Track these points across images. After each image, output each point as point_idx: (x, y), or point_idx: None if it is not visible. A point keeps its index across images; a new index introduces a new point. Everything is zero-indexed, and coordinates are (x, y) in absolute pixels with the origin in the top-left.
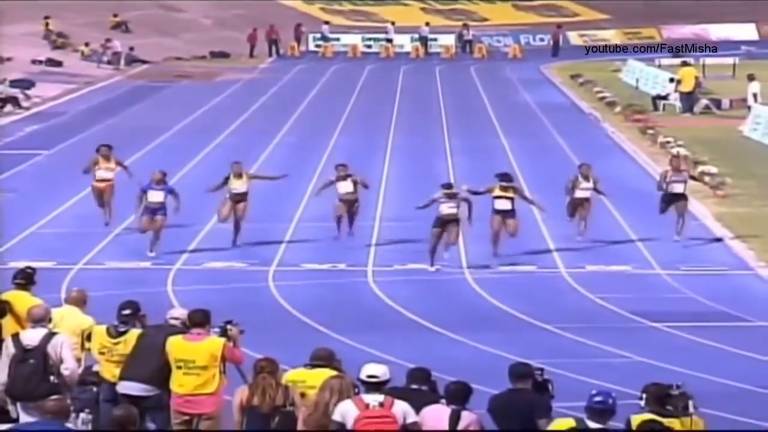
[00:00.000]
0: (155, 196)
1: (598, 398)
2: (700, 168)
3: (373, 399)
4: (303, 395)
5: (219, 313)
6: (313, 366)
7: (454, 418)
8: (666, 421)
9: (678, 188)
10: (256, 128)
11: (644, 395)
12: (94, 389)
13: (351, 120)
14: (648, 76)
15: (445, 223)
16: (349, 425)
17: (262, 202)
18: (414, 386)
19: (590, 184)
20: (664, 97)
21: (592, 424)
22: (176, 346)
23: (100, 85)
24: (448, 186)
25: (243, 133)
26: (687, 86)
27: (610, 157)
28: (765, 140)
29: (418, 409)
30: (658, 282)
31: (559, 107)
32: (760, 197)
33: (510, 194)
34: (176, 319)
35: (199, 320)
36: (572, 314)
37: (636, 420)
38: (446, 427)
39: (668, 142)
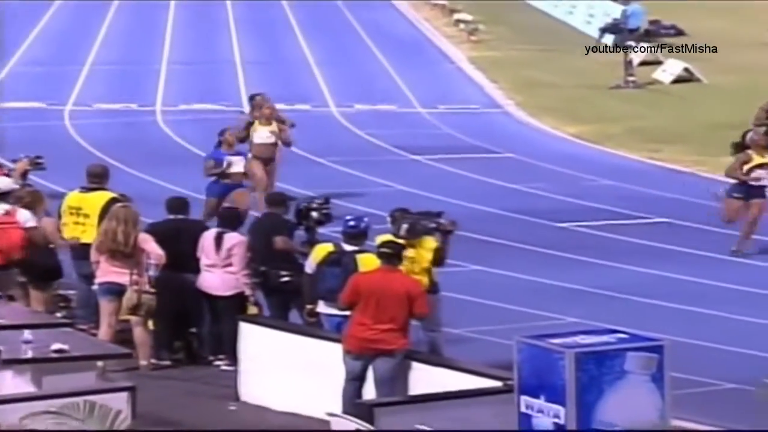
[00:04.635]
0: (234, 167)
1: (351, 223)
2: (456, 16)
3: (0, 208)
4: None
5: (20, 149)
6: (89, 189)
7: (218, 238)
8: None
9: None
10: None
11: (390, 218)
12: None
13: None
14: None
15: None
16: None
17: (56, 45)
18: (172, 216)
19: None
20: None
21: (348, 247)
22: None
23: None
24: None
25: None
26: None
27: (375, 7)
28: None
29: (197, 237)
30: (419, 119)
31: None
32: (509, 41)
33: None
34: None
35: None
36: (343, 149)
37: (378, 239)
38: (214, 247)
39: None
